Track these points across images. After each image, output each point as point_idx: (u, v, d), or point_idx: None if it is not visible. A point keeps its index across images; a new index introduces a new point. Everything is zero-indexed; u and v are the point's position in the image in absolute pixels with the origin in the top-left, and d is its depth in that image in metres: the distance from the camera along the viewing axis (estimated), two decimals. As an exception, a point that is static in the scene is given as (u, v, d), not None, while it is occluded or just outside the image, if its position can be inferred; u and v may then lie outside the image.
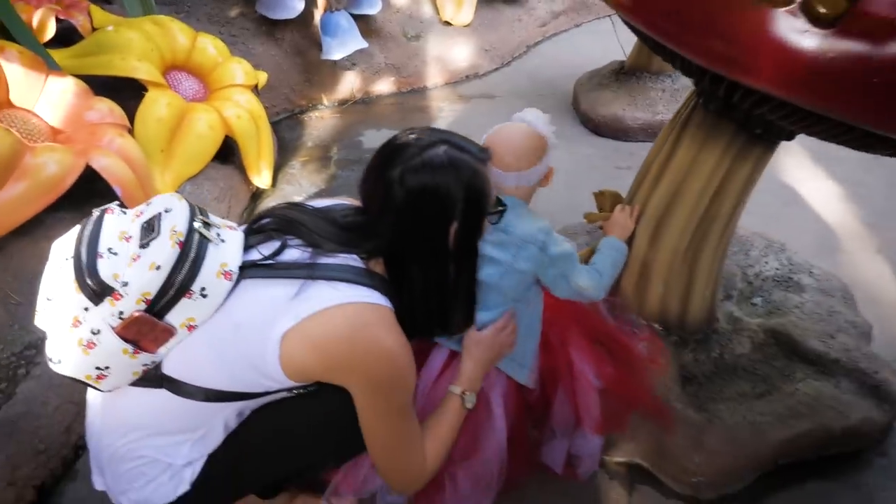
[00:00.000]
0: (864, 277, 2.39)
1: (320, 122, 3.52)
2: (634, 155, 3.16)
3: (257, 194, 2.84)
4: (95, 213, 1.07)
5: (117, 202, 1.11)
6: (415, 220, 1.09)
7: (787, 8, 0.99)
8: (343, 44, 3.36)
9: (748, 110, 1.30)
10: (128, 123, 2.26)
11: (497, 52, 4.24)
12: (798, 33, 0.99)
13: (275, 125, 3.33)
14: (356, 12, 3.55)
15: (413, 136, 1.12)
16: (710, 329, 1.85)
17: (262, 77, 3.08)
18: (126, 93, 2.37)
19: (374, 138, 3.35)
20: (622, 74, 3.43)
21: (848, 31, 0.97)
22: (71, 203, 1.94)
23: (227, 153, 2.69)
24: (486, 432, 1.41)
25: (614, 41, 3.51)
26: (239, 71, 2.82)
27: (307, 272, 1.06)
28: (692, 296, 1.74)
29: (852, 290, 2.11)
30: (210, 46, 2.80)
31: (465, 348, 1.35)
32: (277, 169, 2.99)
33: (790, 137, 1.44)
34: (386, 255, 1.14)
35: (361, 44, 3.44)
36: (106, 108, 2.20)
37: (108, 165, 2.00)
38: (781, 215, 2.75)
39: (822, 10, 0.97)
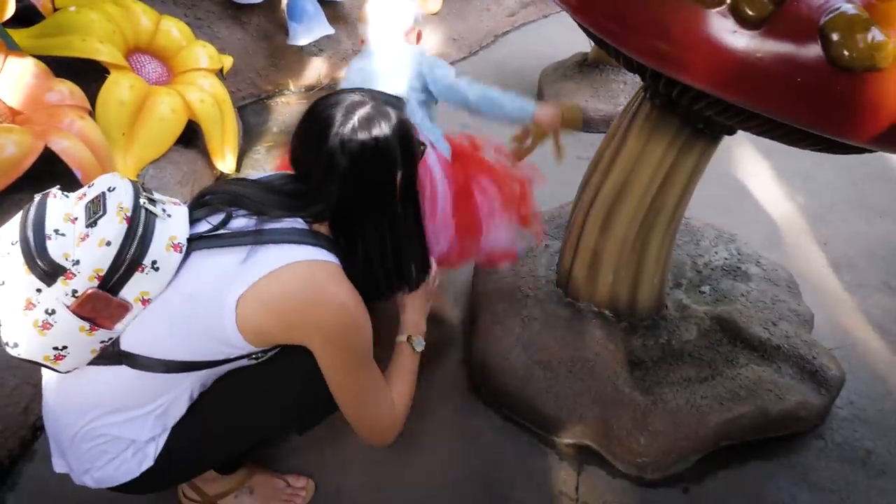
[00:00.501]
0: (809, 268, 2.50)
1: (286, 107, 3.52)
2: (595, 145, 3.18)
3: (221, 179, 2.84)
4: (37, 197, 1.08)
5: (58, 186, 1.11)
6: (361, 180, 1.14)
7: (718, 9, 1.05)
8: (309, 29, 3.35)
9: (688, 105, 1.36)
10: (88, 106, 2.24)
11: (465, 41, 4.27)
12: (728, 33, 1.05)
13: (240, 110, 3.32)
14: (322, -3, 3.55)
15: (333, 99, 1.17)
16: (658, 316, 1.92)
17: (227, 61, 3.07)
18: (87, 75, 2.35)
19: (340, 125, 3.36)
20: (586, 66, 3.49)
21: (774, 32, 1.03)
22: (30, 185, 1.92)
23: (191, 137, 2.68)
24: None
25: (581, 32, 3.56)
26: (203, 55, 2.81)
27: (254, 238, 1.09)
28: (641, 284, 1.81)
29: (797, 279, 2.20)
30: (174, 29, 2.79)
31: (402, 305, 1.46)
32: (242, 154, 2.99)
33: (731, 132, 1.51)
34: (333, 220, 1.18)
35: (328, 30, 3.44)
36: (66, 90, 2.18)
37: (67, 148, 1.99)
38: (733, 207, 2.84)
39: (750, 13, 1.02)
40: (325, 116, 1.13)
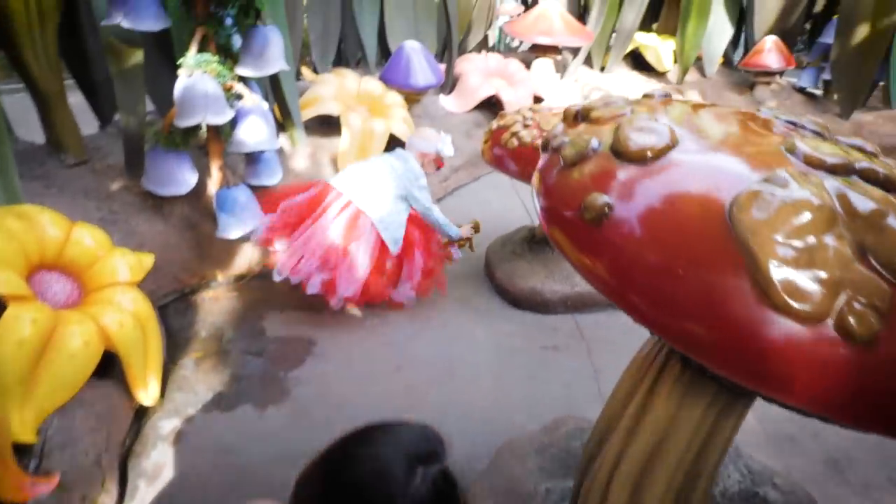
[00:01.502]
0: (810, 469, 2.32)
1: (214, 304, 3.17)
2: (558, 331, 3.05)
3: (142, 411, 2.40)
4: None
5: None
6: None
7: (818, 324, 0.86)
8: (241, 221, 3.09)
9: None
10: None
11: (402, 213, 4.14)
12: (836, 350, 0.86)
13: (162, 311, 2.95)
14: (255, 183, 3.33)
15: (378, 464, 0.89)
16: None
17: (147, 261, 2.72)
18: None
19: (276, 323, 3.03)
20: (535, 244, 3.39)
21: (886, 349, 0.85)
22: None
23: (105, 364, 2.26)
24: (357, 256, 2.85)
25: (514, 194, 3.53)
26: (122, 265, 2.46)
27: None
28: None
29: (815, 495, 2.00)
30: (87, 238, 2.44)
31: None
32: (166, 371, 2.59)
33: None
34: None
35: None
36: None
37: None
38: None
39: (858, 330, 0.84)
40: (363, 483, 0.87)
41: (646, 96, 1.45)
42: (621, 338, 3.03)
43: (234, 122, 3.07)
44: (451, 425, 2.39)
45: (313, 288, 2.81)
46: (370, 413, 2.44)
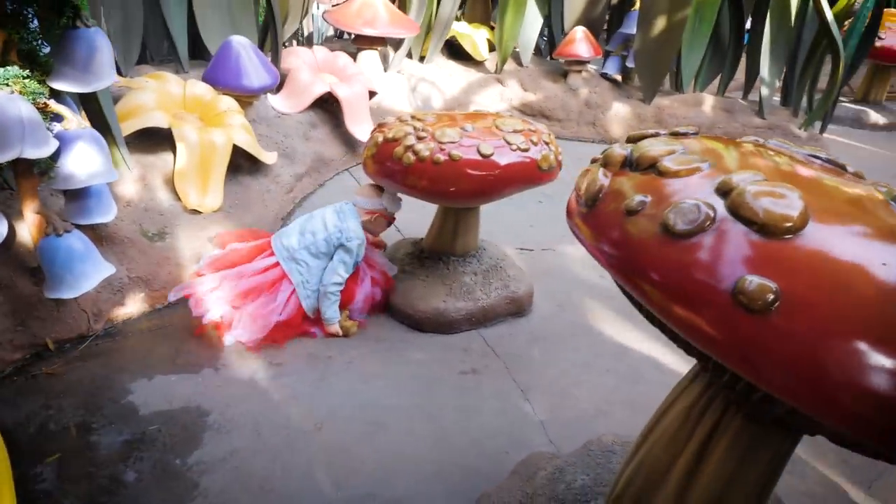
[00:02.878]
0: None
1: (54, 381, 2.50)
2: (469, 351, 2.91)
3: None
4: None
5: None
6: None
7: None
8: (83, 276, 2.46)
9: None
10: None
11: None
12: None
13: (-18, 405, 2.25)
14: (84, 223, 2.67)
15: None
16: None
17: (-43, 346, 2.05)
18: None
19: (148, 393, 2.48)
20: (425, 259, 3.18)
21: None
22: None
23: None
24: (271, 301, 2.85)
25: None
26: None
27: None
28: None
29: None
30: None
31: None
32: (18, 488, 1.96)
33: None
34: None
35: (109, 269, 2.58)
36: None
37: None
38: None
39: None
40: None
41: (677, 135, 1.33)
42: (530, 349, 2.99)
43: (56, 153, 2.41)
44: (402, 487, 2.14)
45: (213, 316, 2.79)
46: (305, 492, 2.09)
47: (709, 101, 6.54)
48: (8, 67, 2.21)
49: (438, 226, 3.18)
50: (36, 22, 2.36)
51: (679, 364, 2.92)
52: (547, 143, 2.85)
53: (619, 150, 1.28)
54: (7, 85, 2.18)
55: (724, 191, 1.01)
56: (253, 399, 2.50)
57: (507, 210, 4.54)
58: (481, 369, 2.79)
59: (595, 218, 1.23)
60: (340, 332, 2.93)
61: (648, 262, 1.05)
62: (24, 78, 2.23)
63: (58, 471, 2.10)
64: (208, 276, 2.90)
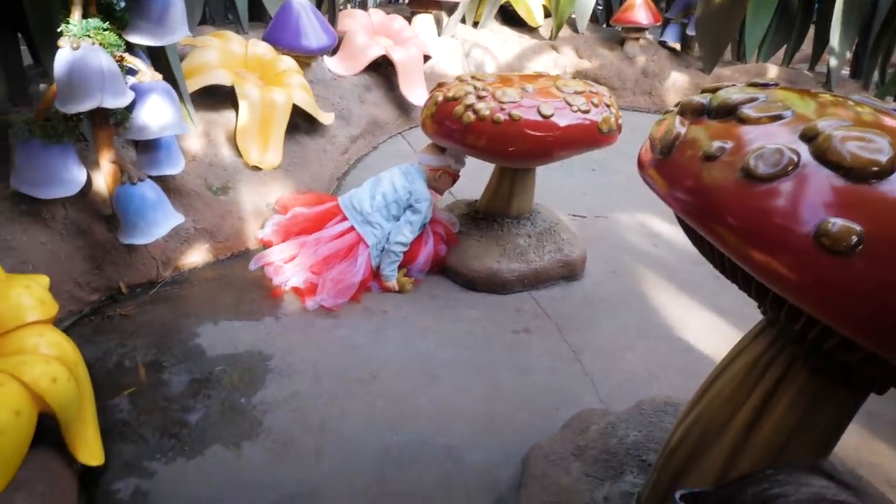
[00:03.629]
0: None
1: (127, 322, 2.64)
2: (522, 312, 2.94)
3: (89, 475, 1.93)
4: None
5: None
6: None
7: None
8: (155, 223, 2.57)
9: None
10: None
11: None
12: None
13: (63, 341, 2.39)
14: (155, 174, 2.78)
15: None
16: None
17: (43, 283, 2.17)
18: None
19: (214, 336, 2.60)
20: (480, 220, 3.21)
21: None
22: None
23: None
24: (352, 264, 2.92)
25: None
26: (28, 299, 1.93)
27: None
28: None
29: None
30: (-29, 270, 1.87)
31: None
32: (99, 417, 2.10)
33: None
34: None
35: (178, 218, 2.69)
36: None
37: None
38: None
39: None
40: None
41: (756, 85, 1.32)
42: (581, 312, 3.00)
43: (130, 104, 2.51)
44: (456, 437, 2.20)
45: (295, 283, 2.87)
46: (363, 435, 2.18)
47: (772, 71, 6.33)
48: (89, 19, 2.30)
49: (494, 187, 3.20)
50: (114, -25, 2.43)
51: (735, 333, 2.90)
52: (608, 106, 2.83)
53: (697, 99, 1.28)
54: (88, 36, 2.27)
55: (809, 136, 1.00)
56: (312, 347, 2.59)
57: (560, 177, 4.52)
58: (533, 329, 2.83)
59: (670, 165, 1.23)
60: (396, 288, 2.99)
61: (726, 206, 1.05)
62: (103, 30, 2.32)
63: (133, 404, 2.24)
64: (284, 244, 2.99)
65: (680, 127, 1.24)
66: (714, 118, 1.21)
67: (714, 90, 1.37)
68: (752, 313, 1.47)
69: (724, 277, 1.30)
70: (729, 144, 1.10)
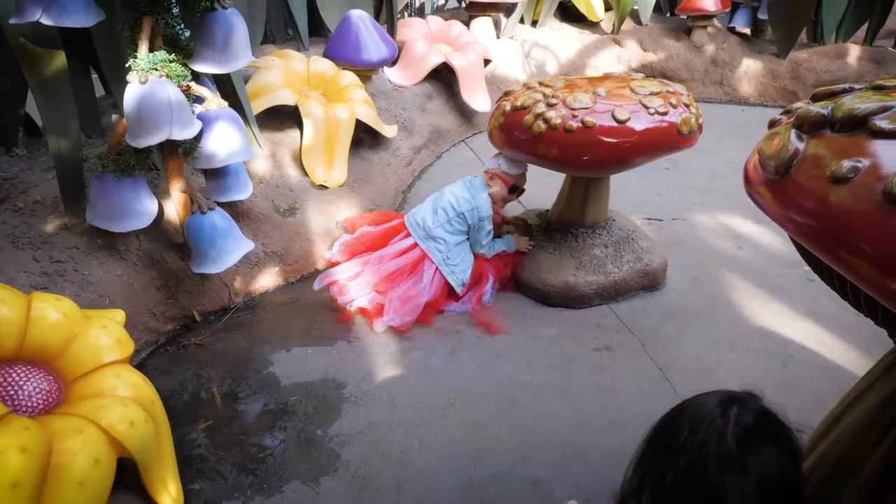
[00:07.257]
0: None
1: (201, 351, 2.64)
2: (602, 327, 2.79)
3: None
4: None
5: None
6: None
7: None
8: (226, 252, 2.56)
9: None
10: None
11: (379, 208, 3.69)
12: None
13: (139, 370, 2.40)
14: (224, 201, 2.78)
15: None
16: None
17: (119, 319, 2.17)
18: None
19: (287, 364, 2.56)
20: (553, 231, 3.07)
21: None
22: None
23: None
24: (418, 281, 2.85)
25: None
26: (104, 339, 1.92)
27: None
28: None
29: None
30: (51, 312, 1.87)
31: None
32: (175, 452, 2.08)
33: None
34: None
35: (248, 245, 2.68)
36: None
37: None
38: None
39: None
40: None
41: (880, 88, 1.15)
42: (666, 325, 2.82)
43: (198, 133, 2.50)
44: (542, 467, 2.08)
45: (360, 303, 2.80)
46: (443, 467, 2.08)
47: (854, 51, 5.90)
48: (156, 52, 2.30)
49: (567, 196, 3.05)
50: (177, 7, 2.43)
51: (835, 344, 2.66)
52: (687, 106, 2.64)
53: (816, 110, 1.12)
54: (156, 69, 2.27)
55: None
56: (386, 372, 2.52)
57: (632, 178, 4.31)
58: (615, 346, 2.67)
59: (788, 186, 1.08)
60: (525, 247, 3.04)
61: (862, 233, 0.91)
62: (169, 62, 2.31)
63: (210, 438, 2.22)
64: (348, 262, 2.94)
65: (797, 142, 1.09)
66: (838, 132, 1.05)
67: (829, 95, 1.21)
68: (854, 320, 1.31)
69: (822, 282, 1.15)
70: (863, 163, 0.95)
